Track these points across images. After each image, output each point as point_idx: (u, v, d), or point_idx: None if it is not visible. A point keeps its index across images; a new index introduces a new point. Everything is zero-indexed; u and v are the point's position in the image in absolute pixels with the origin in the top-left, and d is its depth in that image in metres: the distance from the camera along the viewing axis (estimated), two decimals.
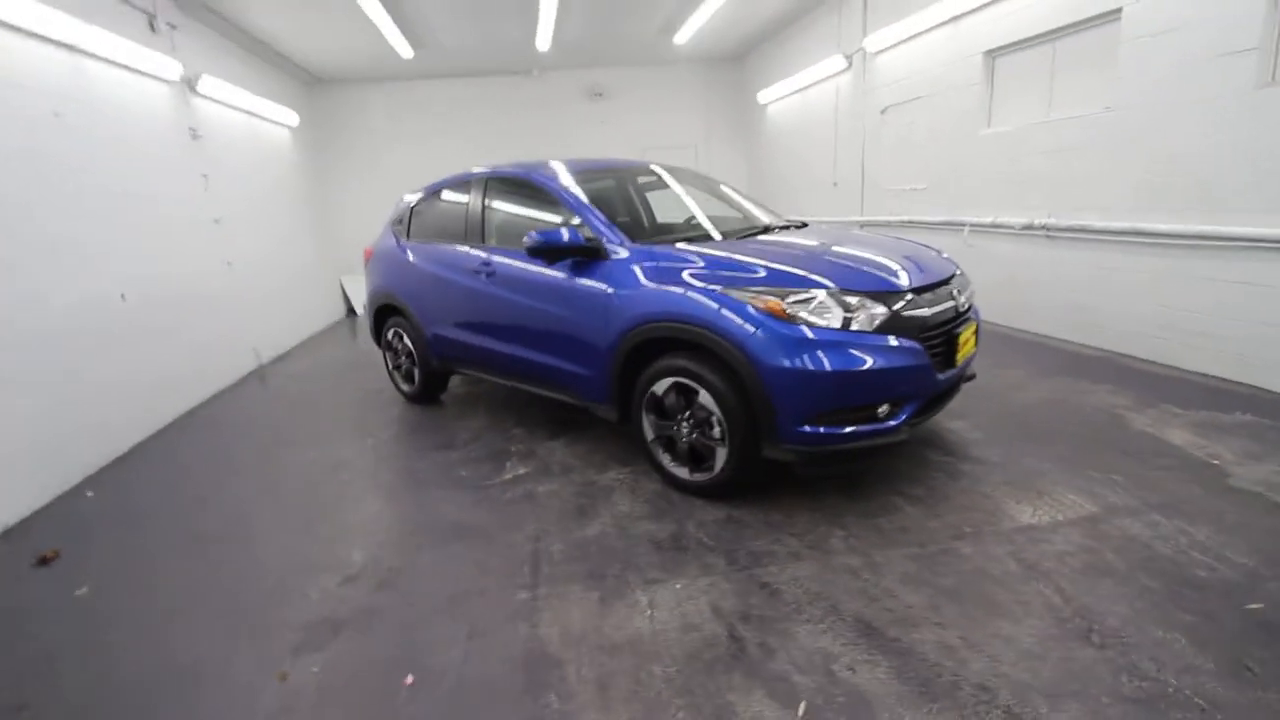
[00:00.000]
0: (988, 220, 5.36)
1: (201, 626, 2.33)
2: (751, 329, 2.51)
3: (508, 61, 9.01)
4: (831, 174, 7.86)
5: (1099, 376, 4.02)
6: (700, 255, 2.84)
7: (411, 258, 4.33)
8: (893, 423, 2.57)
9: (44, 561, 2.88)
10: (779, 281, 2.57)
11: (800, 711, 1.72)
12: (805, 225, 3.65)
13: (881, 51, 6.54)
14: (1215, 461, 2.87)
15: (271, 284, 6.95)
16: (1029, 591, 2.13)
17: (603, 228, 3.16)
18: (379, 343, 4.99)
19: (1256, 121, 3.40)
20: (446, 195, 4.29)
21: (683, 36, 8.18)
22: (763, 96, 9.42)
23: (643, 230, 3.74)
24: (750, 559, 2.43)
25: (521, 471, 3.41)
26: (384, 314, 4.75)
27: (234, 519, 3.17)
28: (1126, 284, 4.24)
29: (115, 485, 3.73)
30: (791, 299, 2.50)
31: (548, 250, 3.13)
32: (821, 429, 2.50)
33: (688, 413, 2.83)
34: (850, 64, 7.15)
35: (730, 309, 2.57)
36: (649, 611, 2.18)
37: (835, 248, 2.96)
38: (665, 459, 2.99)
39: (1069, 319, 4.76)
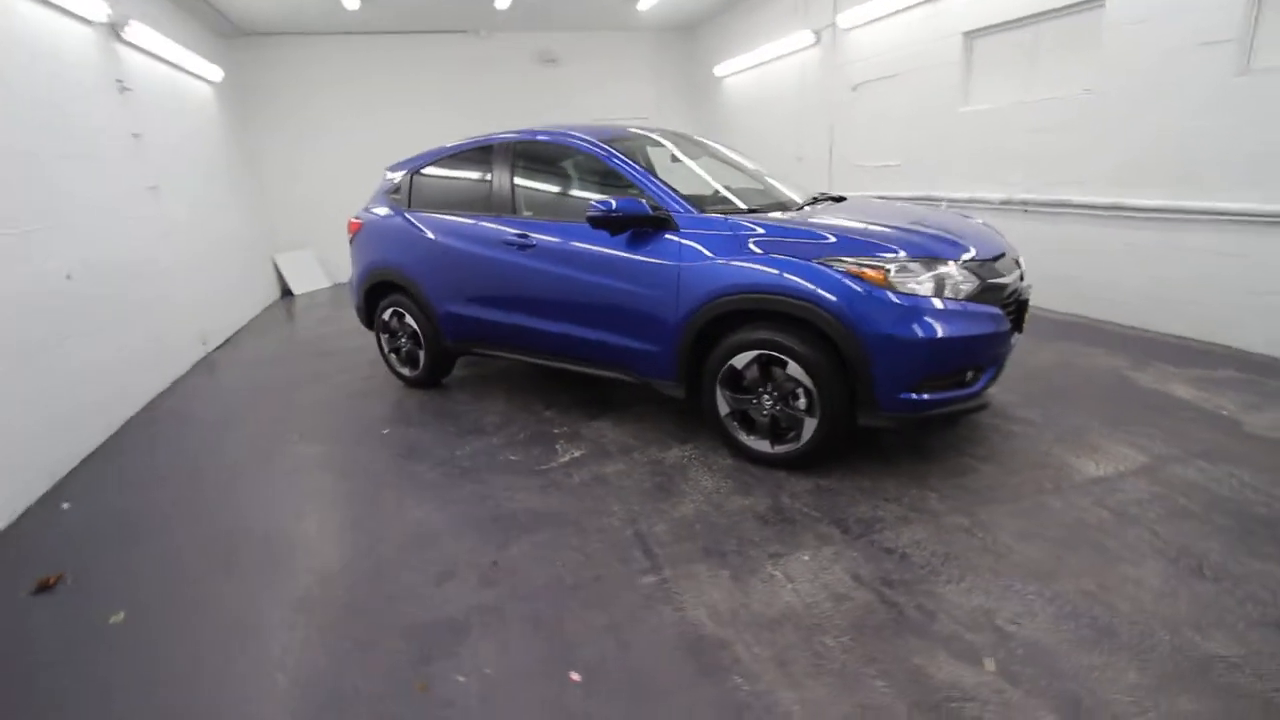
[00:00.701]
0: (964, 196, 5.65)
1: (285, 647, 2.06)
2: (852, 299, 2.51)
3: (457, 18, 8.43)
4: (796, 149, 8.00)
5: (1090, 340, 4.38)
6: (778, 226, 2.80)
7: (419, 230, 3.99)
8: (977, 387, 2.67)
9: (45, 587, 2.45)
10: (870, 251, 2.58)
11: (990, 667, 1.77)
12: (844, 199, 3.67)
13: (854, 28, 6.67)
14: (1224, 412, 3.20)
15: (211, 262, 6.22)
16: (1130, 536, 2.29)
17: (668, 197, 3.04)
18: (370, 324, 4.59)
19: (1234, 106, 3.77)
20: (460, 162, 3.97)
21: (647, 2, 7.98)
22: (719, 69, 9.39)
23: None
24: (862, 526, 2.46)
25: (577, 454, 3.27)
26: (379, 292, 4.37)
27: (258, 524, 2.84)
28: (1107, 256, 4.62)
29: (92, 494, 3.23)
30: (889, 268, 2.52)
31: (613, 220, 2.98)
32: (916, 395, 2.55)
33: (769, 385, 2.81)
34: (819, 39, 7.25)
35: (829, 279, 2.55)
36: (789, 585, 2.16)
37: (907, 219, 2.99)
38: (741, 434, 2.95)
39: (1046, 289, 5.11)
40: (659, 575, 2.26)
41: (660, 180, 3.13)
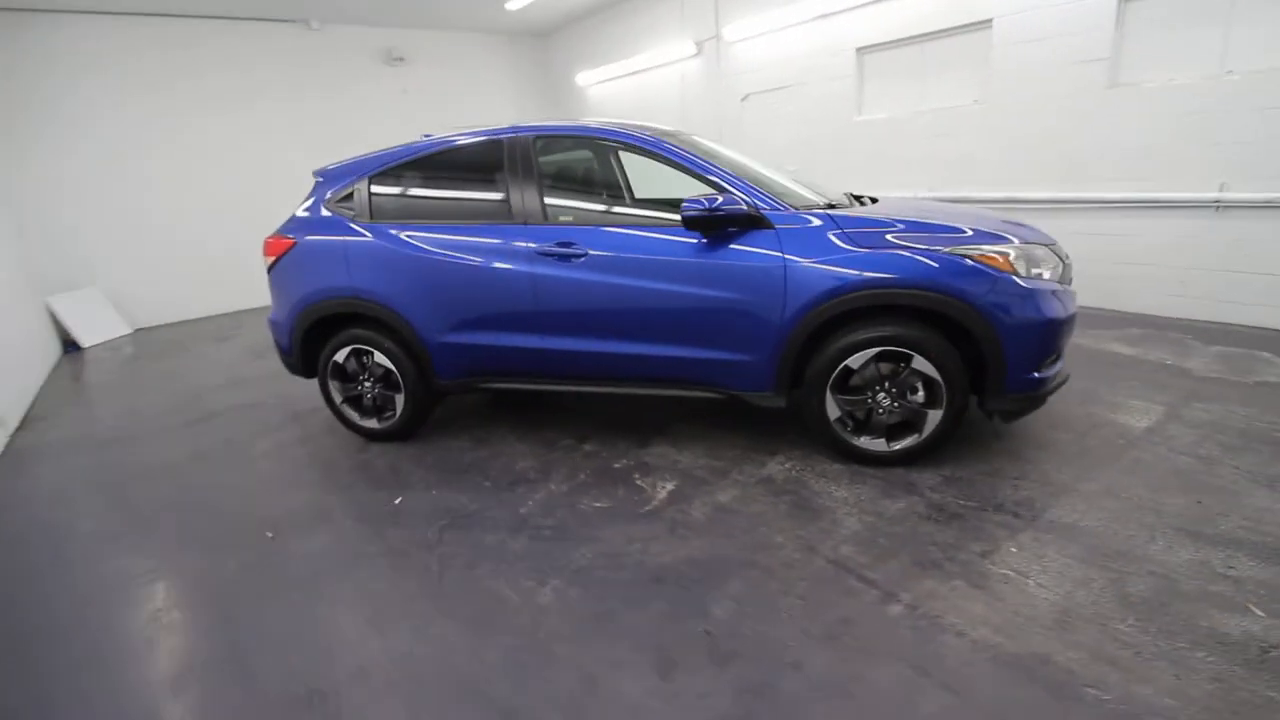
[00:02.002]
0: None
1: None
2: (989, 286, 2.54)
3: (286, 5, 7.12)
4: None
5: None
6: (887, 220, 2.74)
7: (397, 248, 3.22)
8: (1062, 362, 2.88)
9: None
10: (990, 240, 2.64)
11: (1259, 612, 1.88)
12: (877, 200, 3.66)
13: (741, 41, 6.96)
14: (1168, 362, 3.87)
15: None
16: (1225, 474, 2.62)
17: (755, 193, 2.82)
18: (306, 371, 3.61)
19: (1109, 113, 4.62)
20: (449, 162, 3.29)
21: (518, 2, 7.50)
22: (582, 78, 9.22)
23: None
24: (1026, 508, 2.49)
25: (669, 487, 2.88)
26: (325, 329, 3.46)
27: (320, 673, 2.03)
28: None
29: None
30: (1011, 254, 2.60)
31: (712, 220, 2.68)
32: (1037, 375, 2.66)
33: (885, 383, 2.74)
34: (701, 50, 7.45)
35: (964, 268, 2.55)
36: (1030, 580, 2.10)
37: (969, 213, 3.11)
38: (852, 437, 2.84)
39: None
40: (900, 602, 2.05)
41: (740, 176, 2.90)
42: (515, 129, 3.15)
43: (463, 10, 7.88)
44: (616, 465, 3.13)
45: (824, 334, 2.75)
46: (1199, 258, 4.41)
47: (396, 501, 2.97)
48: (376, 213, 3.34)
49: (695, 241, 2.82)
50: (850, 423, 2.84)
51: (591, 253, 2.94)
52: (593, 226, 3.02)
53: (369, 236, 3.29)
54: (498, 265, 3.08)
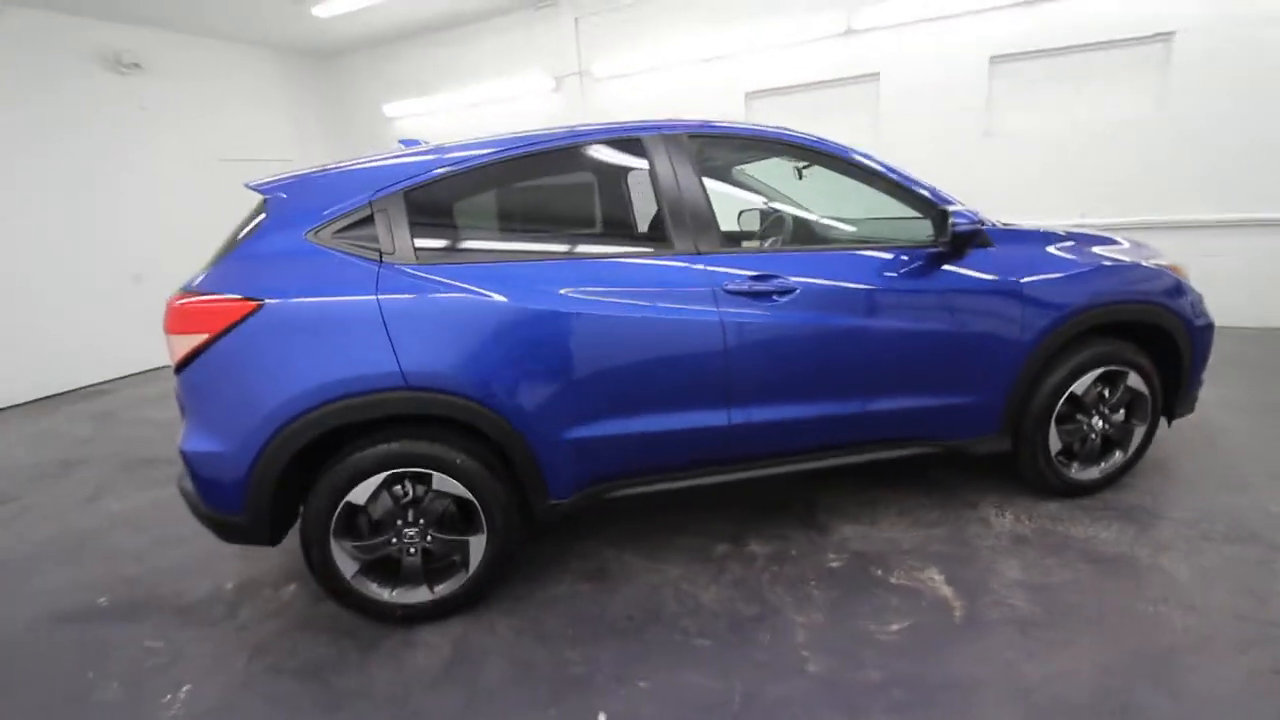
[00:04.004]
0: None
1: None
2: (1185, 296, 2.56)
3: None
4: None
5: None
6: (1077, 234, 2.61)
7: (481, 296, 1.99)
8: None
9: None
10: (1156, 253, 2.67)
11: None
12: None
13: (615, 77, 6.58)
14: None
15: None
16: None
17: (965, 210, 2.43)
18: (271, 530, 2.05)
19: (983, 158, 5.39)
20: (543, 170, 2.23)
21: (329, 9, 5.97)
22: (393, 110, 7.82)
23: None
24: (1259, 511, 2.49)
25: (939, 577, 2.24)
26: (322, 450, 2.01)
27: None
28: None
29: None
30: (1178, 265, 2.66)
31: (967, 238, 2.23)
32: (1203, 377, 2.76)
33: (1099, 405, 2.57)
34: (560, 85, 6.86)
35: (1168, 279, 2.53)
36: None
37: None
38: (1066, 469, 2.59)
39: None
40: None
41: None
42: (660, 125, 2.24)
43: (229, 11, 5.96)
44: (833, 565, 2.36)
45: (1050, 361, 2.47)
46: None
47: (601, 719, 1.75)
48: (427, 250, 2.06)
49: (918, 265, 2.32)
50: (1063, 454, 2.59)
51: (802, 287, 2.20)
52: (796, 253, 2.30)
53: (435, 289, 1.99)
54: (666, 315, 2.11)
